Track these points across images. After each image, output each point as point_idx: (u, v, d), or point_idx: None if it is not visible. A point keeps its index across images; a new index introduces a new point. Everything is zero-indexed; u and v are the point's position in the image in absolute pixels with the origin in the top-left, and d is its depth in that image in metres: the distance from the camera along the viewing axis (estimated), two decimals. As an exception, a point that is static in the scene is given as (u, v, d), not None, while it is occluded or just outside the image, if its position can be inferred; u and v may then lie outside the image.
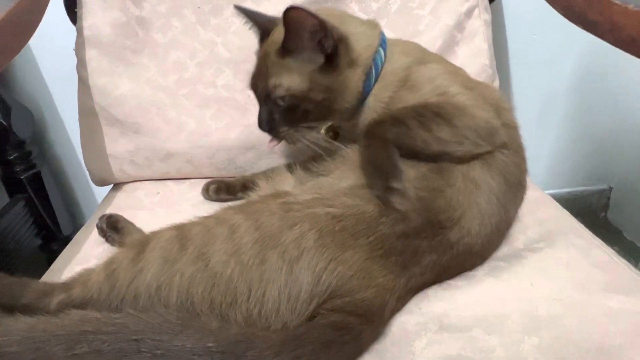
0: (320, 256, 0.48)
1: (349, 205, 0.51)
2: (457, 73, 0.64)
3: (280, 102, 0.60)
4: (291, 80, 0.59)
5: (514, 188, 0.60)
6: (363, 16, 0.85)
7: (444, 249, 0.54)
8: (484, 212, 0.56)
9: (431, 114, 0.55)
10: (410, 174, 0.54)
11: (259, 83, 0.62)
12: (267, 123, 0.62)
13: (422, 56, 0.65)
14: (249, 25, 0.66)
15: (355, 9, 0.86)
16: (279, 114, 0.61)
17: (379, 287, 0.50)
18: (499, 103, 0.61)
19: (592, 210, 1.48)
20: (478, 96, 0.59)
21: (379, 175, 0.52)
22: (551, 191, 1.43)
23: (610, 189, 1.45)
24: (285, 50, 0.59)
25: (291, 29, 0.56)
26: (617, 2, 0.60)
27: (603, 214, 1.48)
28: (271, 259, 0.47)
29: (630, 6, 0.58)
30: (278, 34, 0.60)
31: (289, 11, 0.54)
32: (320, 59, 0.58)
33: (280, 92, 0.59)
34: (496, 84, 0.89)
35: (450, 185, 0.55)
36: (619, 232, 1.42)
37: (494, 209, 0.57)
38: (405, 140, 0.54)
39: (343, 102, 0.61)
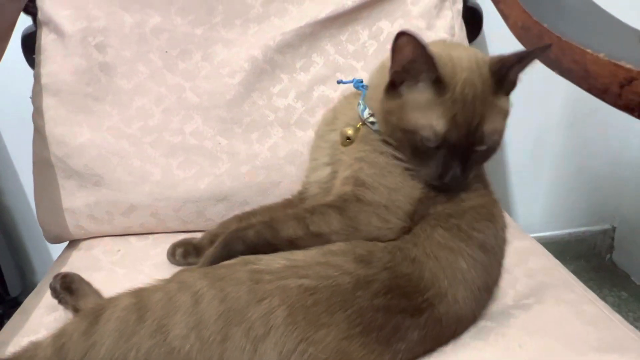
0: (289, 335, 0.48)
1: (323, 277, 0.53)
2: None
3: (483, 148, 0.59)
4: (500, 122, 0.60)
5: (493, 252, 0.63)
6: (340, 59, 0.91)
7: (433, 324, 0.56)
8: (467, 277, 0.59)
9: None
10: (386, 243, 0.58)
11: (470, 132, 0.57)
12: (461, 181, 0.59)
13: None
14: (392, 56, 0.58)
15: (331, 52, 0.92)
16: (471, 161, 0.59)
17: None
18: None
19: (597, 253, 1.52)
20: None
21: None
22: (551, 233, 1.47)
23: (614, 228, 1.50)
24: (495, 88, 0.58)
25: (522, 63, 0.58)
26: (589, 51, 0.66)
27: (608, 255, 1.53)
28: (234, 336, 0.48)
29: (602, 55, 0.64)
30: (469, 71, 0.58)
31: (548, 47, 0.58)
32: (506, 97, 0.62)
33: (493, 137, 0.59)
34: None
35: (427, 255, 0.58)
36: (627, 276, 1.46)
37: (478, 273, 0.60)
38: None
39: None
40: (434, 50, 0.56)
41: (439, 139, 0.57)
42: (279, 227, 0.60)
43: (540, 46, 0.59)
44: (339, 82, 0.82)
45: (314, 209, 0.62)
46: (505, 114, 0.61)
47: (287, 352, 0.48)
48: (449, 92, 0.57)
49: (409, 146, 0.60)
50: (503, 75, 0.58)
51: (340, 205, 0.61)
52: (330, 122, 0.75)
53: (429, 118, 0.57)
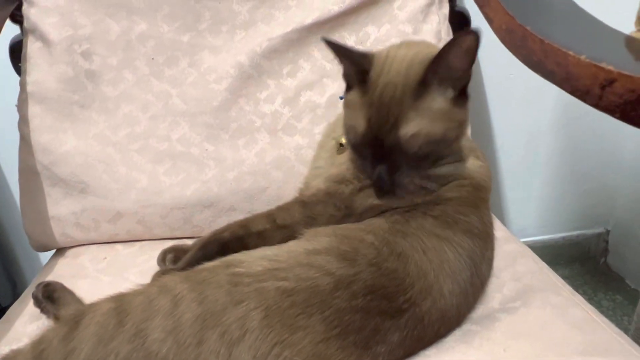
0: (264, 339, 0.48)
1: (302, 279, 0.53)
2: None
3: (412, 153, 0.56)
4: (431, 125, 0.56)
5: (480, 238, 0.63)
6: (327, 65, 0.92)
7: (414, 324, 0.55)
8: (454, 268, 0.59)
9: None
10: (374, 235, 0.58)
11: (382, 135, 0.56)
12: (390, 183, 0.57)
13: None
14: (338, 60, 0.61)
15: (317, 57, 0.92)
16: (405, 167, 0.57)
17: None
18: None
19: (591, 256, 1.52)
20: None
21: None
22: (544, 237, 1.47)
23: (608, 232, 1.50)
24: (422, 88, 0.56)
25: (450, 59, 0.54)
26: (571, 52, 0.66)
27: (603, 259, 1.52)
28: (210, 339, 0.48)
29: (583, 57, 0.64)
30: (395, 73, 0.57)
31: (469, 36, 0.51)
32: (451, 92, 0.57)
33: (417, 141, 0.55)
34: (468, 131, 0.94)
35: (414, 248, 0.58)
36: (621, 280, 1.46)
37: (463, 263, 0.60)
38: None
39: (461, 138, 0.62)
40: (379, 52, 0.60)
41: (358, 140, 0.59)
42: (250, 225, 0.66)
43: (462, 32, 0.53)
44: (341, 98, 0.84)
45: (283, 206, 0.68)
46: (438, 113, 0.56)
47: (262, 355, 0.48)
48: (369, 94, 0.58)
49: (351, 145, 0.62)
50: (436, 70, 0.55)
51: (305, 200, 0.67)
52: (328, 134, 0.78)
53: (354, 118, 0.59)
